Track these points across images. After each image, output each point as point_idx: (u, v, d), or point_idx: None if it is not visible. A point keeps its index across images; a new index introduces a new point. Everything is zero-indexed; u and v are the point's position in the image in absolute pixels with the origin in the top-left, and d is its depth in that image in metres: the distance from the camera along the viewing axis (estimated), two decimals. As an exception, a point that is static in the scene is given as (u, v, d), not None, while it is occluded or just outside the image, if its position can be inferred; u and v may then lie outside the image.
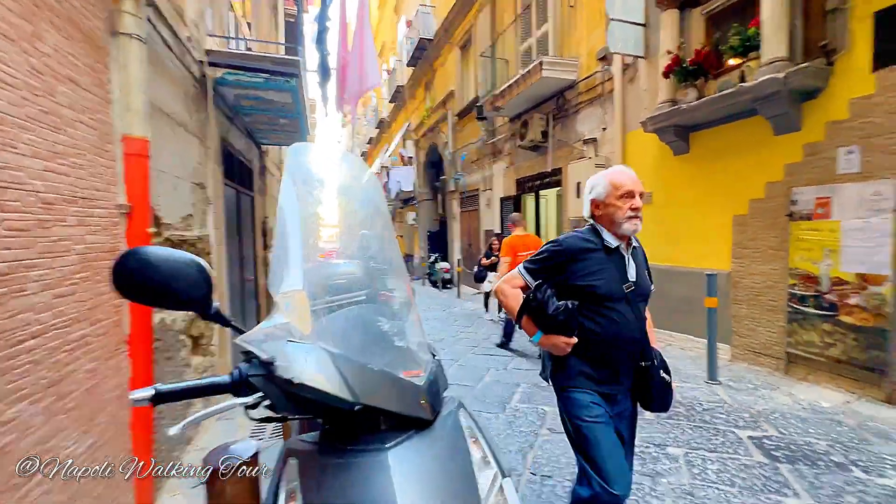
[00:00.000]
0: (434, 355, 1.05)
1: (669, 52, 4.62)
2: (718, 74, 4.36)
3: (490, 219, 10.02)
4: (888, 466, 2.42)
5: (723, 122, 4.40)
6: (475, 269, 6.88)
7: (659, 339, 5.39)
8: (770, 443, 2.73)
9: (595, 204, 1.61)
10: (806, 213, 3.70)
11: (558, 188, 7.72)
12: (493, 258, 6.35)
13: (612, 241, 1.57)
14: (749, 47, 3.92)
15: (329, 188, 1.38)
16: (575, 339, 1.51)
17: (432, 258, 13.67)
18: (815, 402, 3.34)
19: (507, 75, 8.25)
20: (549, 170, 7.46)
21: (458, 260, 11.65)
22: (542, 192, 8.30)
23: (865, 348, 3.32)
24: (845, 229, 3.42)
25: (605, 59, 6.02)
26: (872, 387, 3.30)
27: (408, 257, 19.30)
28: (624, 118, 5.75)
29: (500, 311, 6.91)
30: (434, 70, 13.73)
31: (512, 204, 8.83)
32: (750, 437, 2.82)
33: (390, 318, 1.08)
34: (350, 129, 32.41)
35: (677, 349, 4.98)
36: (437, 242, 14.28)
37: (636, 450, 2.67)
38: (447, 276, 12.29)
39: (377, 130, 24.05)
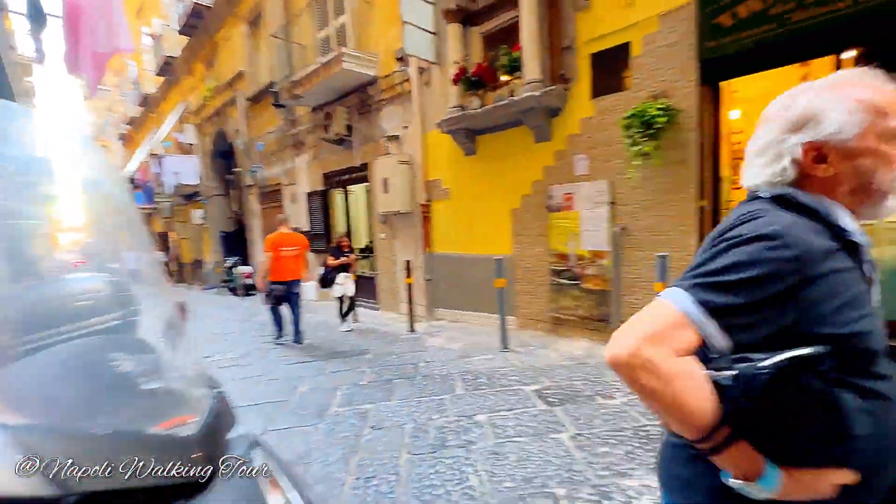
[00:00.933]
0: (214, 388, 0.82)
1: (457, 63, 5.14)
2: (495, 88, 5.10)
3: (295, 215, 9.31)
4: (615, 390, 3.30)
5: (500, 129, 5.17)
6: (321, 272, 6.24)
7: (462, 318, 5.91)
8: (548, 392, 3.38)
9: (820, 150, 0.75)
10: (558, 205, 4.70)
11: (367, 183, 7.74)
12: (344, 258, 6.03)
13: (857, 234, 0.75)
14: (514, 67, 4.70)
15: (56, 177, 0.95)
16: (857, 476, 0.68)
17: (229, 262, 11.89)
18: (572, 353, 4.31)
19: (306, 62, 7.74)
20: (358, 164, 7.40)
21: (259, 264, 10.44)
22: (350, 188, 8.17)
23: (598, 306, 4.47)
24: (583, 218, 4.50)
25: (402, 59, 6.28)
26: (602, 333, 4.47)
27: (196, 263, 16.30)
28: (423, 118, 6.14)
29: (343, 316, 6.43)
30: (216, 44, 11.80)
31: (319, 199, 8.41)
32: (535, 391, 3.43)
33: (139, 352, 0.79)
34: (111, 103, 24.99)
35: (477, 326, 5.67)
36: (234, 244, 12.48)
37: (451, 425, 2.96)
38: (249, 281, 10.89)
39: (141, 109, 19.28)
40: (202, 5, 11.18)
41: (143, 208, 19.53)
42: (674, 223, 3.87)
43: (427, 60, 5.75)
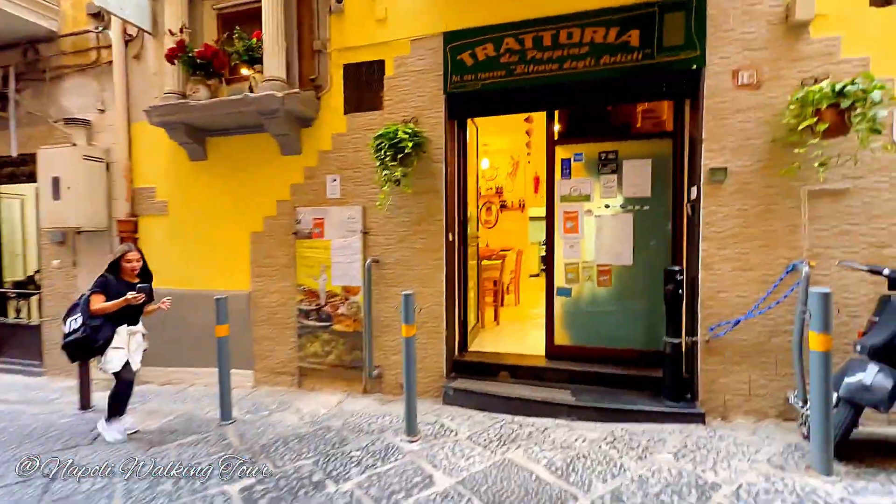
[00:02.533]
0: None
1: (172, 34, 3.86)
2: (232, 80, 4.04)
3: None
4: (353, 465, 2.63)
5: (240, 132, 4.10)
6: (73, 326, 2.99)
7: (182, 378, 4.21)
8: (258, 490, 2.42)
9: None
10: (307, 231, 3.94)
11: (35, 184, 5.20)
12: (132, 294, 2.96)
13: None
14: (254, 58, 3.79)
15: None
16: None
17: None
18: (316, 412, 3.50)
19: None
20: (16, 156, 4.86)
21: None
22: (7, 189, 5.36)
23: (350, 350, 3.84)
24: (334, 247, 3.85)
25: (98, 16, 4.48)
26: (355, 382, 3.84)
27: None
28: (129, 102, 4.45)
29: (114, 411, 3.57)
30: None
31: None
32: (241, 490, 2.42)
33: None
34: None
35: (201, 387, 4.23)
36: None
37: None
38: None
39: None
40: None
41: None
42: (424, 257, 3.64)
43: (135, 25, 4.20)
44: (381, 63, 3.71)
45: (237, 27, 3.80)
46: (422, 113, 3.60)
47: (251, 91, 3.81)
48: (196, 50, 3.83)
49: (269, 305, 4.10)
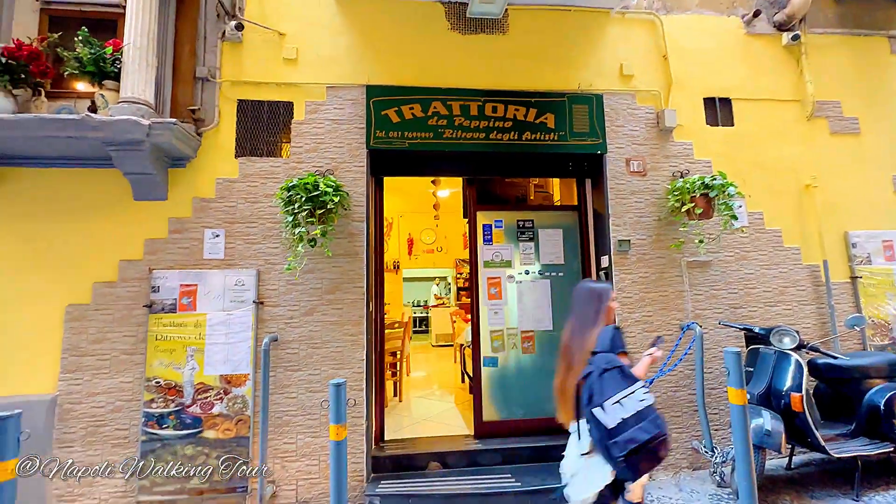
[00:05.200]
0: None
1: (-39, 17, 2.65)
2: (59, 93, 2.95)
3: None
4: None
5: (62, 164, 2.93)
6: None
7: None
8: None
9: None
10: (169, 303, 2.90)
11: None
12: None
13: None
14: (105, 73, 2.84)
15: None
16: None
17: None
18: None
19: None
20: None
21: None
22: None
23: (228, 466, 2.80)
24: (211, 323, 2.91)
25: None
26: (235, 511, 2.79)
27: None
28: None
29: None
30: None
31: None
32: None
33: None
34: None
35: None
36: None
37: None
38: None
39: None
40: None
41: None
42: (339, 332, 3.03)
43: None
44: (288, 105, 3.21)
45: (84, 28, 2.81)
46: (338, 166, 3.17)
47: (93, 111, 2.81)
48: (2, 46, 2.68)
49: (91, 414, 2.77)
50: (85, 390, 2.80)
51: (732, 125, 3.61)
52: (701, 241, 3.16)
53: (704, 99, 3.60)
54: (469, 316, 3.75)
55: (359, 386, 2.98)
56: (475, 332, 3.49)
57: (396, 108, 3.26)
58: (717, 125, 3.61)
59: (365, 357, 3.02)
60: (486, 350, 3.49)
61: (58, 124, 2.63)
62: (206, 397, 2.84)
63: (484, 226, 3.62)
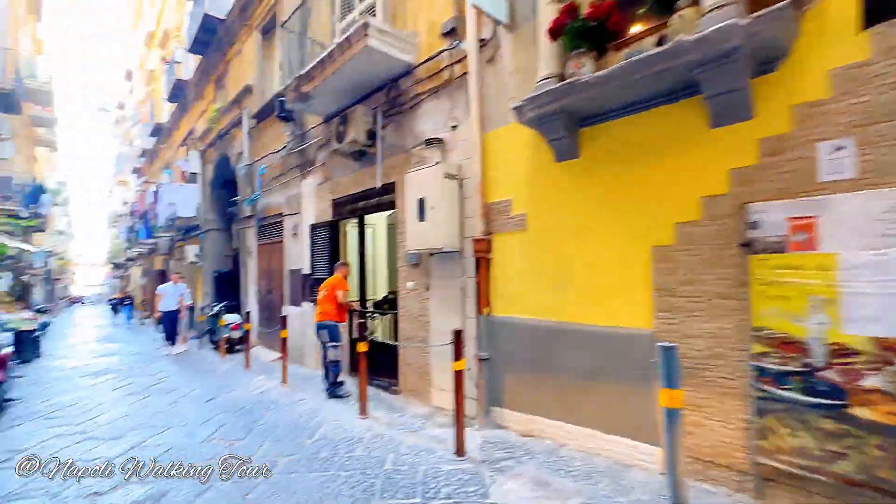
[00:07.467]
0: None
1: (557, 1, 3.10)
2: (621, 44, 3.02)
3: (298, 253, 7.20)
4: None
5: (637, 110, 3.00)
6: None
7: (543, 431, 3.14)
8: None
9: None
10: (774, 241, 2.39)
11: (390, 211, 5.64)
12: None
13: None
14: (666, 1, 2.59)
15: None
16: None
17: (215, 308, 9.73)
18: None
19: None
20: (379, 186, 5.29)
21: (247, 314, 8.19)
22: (368, 218, 6.05)
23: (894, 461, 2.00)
24: (846, 266, 2.16)
25: (452, 33, 4.34)
26: (918, 529, 1.97)
27: (190, 309, 14.27)
28: (482, 111, 4.06)
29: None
30: (228, 62, 10.41)
31: (327, 232, 6.29)
32: None
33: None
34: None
35: (573, 450, 3.19)
36: (227, 287, 10.39)
37: None
38: (237, 333, 8.64)
39: (153, 140, 18.24)
40: (214, 18, 9.89)
41: (142, 243, 17.95)
42: None
43: (494, 20, 3.75)
44: None
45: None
46: None
47: (660, 42, 2.64)
48: (585, 11, 2.95)
49: (688, 354, 2.73)
50: (680, 331, 2.77)
51: None
52: None
53: None
54: None
55: None
56: None
57: None
58: None
59: None
60: None
61: (646, 63, 2.58)
62: (850, 363, 2.14)
63: None
